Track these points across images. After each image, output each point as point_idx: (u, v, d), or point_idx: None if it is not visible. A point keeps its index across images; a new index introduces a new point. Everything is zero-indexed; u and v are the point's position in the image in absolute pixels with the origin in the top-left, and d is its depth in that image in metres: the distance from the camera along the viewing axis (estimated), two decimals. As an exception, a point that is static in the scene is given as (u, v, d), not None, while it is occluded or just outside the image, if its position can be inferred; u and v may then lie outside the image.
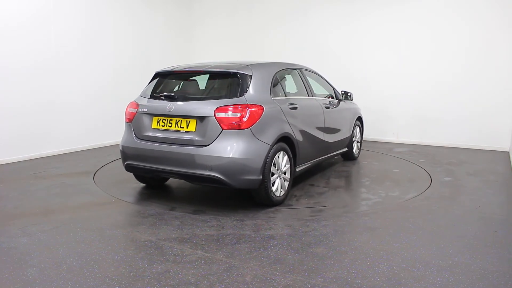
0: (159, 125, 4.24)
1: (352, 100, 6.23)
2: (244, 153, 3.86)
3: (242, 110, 3.91)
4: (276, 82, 4.57)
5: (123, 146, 4.47)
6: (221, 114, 3.90)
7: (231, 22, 9.88)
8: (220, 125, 3.89)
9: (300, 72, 5.26)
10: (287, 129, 4.33)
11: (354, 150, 6.52)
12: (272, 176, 4.11)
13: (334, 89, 5.94)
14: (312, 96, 5.22)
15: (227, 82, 4.26)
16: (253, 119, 3.93)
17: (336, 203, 4.38)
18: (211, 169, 3.86)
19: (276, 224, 3.74)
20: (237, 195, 4.60)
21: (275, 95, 4.43)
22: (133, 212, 4.09)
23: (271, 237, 3.43)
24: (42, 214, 3.98)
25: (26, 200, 4.43)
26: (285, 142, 4.33)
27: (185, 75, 4.64)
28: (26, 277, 2.72)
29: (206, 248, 3.19)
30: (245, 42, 9.69)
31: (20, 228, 3.59)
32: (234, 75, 4.21)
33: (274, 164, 4.14)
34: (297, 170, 4.64)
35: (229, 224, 3.72)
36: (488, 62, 7.35)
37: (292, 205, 4.32)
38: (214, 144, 3.89)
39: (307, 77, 5.38)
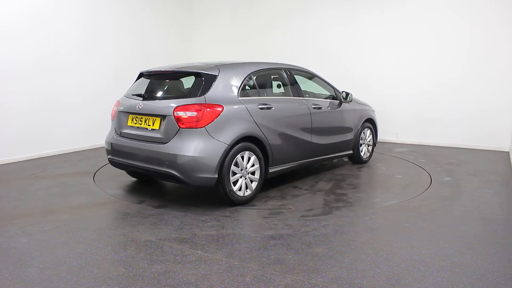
0: (133, 123, 4.45)
1: (351, 101, 5.99)
2: (198, 151, 3.95)
3: (198, 110, 4.00)
4: (250, 82, 4.60)
5: (106, 142, 4.74)
6: (179, 113, 4.02)
7: (231, 22, 9.87)
8: (177, 123, 4.01)
9: (287, 72, 5.19)
10: (253, 129, 4.32)
11: (362, 153, 6.28)
12: (233, 175, 4.15)
13: (335, 90, 5.82)
14: (299, 97, 5.12)
15: (193, 82, 4.38)
16: (208, 118, 4.00)
17: (300, 207, 4.25)
18: (168, 166, 4.01)
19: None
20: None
21: (246, 95, 4.45)
22: (133, 212, 4.09)
23: (271, 237, 3.43)
24: (42, 214, 3.99)
25: (26, 200, 4.43)
26: (253, 142, 4.35)
27: (164, 75, 4.79)
28: (26, 277, 2.72)
29: (206, 248, 3.19)
30: (245, 42, 9.69)
31: (20, 228, 3.59)
32: (199, 75, 4.32)
33: (238, 163, 4.20)
34: (271, 171, 4.60)
35: (229, 224, 3.72)
36: (489, 62, 7.34)
37: (255, 205, 4.30)
38: (171, 142, 4.04)
39: (296, 78, 5.28)
